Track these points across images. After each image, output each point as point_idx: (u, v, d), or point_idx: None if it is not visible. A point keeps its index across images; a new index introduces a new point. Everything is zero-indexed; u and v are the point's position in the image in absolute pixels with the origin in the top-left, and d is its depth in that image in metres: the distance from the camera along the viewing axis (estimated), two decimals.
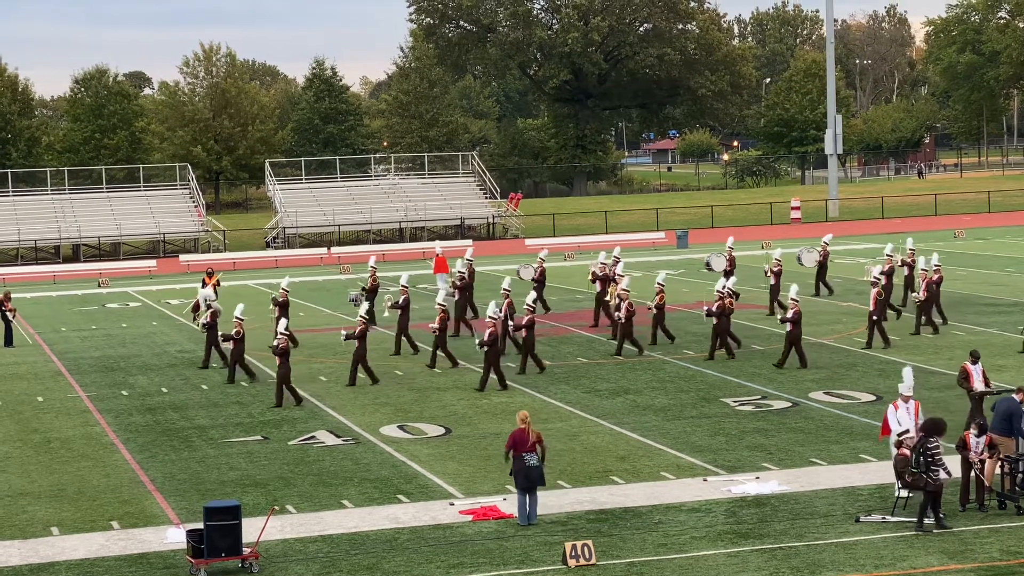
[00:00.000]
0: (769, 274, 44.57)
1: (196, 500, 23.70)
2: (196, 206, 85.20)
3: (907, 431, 21.82)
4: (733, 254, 48.16)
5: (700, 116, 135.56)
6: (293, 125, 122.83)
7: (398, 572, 19.86)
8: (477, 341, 33.80)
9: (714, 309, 36.46)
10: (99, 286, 63.30)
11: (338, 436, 28.95)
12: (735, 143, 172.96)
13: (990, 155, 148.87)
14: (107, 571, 20.37)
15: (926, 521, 20.96)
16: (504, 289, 38.91)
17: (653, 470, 25.16)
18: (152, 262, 73.52)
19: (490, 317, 33.79)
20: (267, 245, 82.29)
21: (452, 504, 23.24)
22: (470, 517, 22.41)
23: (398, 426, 29.74)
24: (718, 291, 37.05)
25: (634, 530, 21.49)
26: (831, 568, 19.35)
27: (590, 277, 44.44)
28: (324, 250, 75.93)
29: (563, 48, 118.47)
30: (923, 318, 39.95)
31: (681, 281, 50.77)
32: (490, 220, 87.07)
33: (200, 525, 20.21)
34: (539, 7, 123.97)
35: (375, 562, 20.33)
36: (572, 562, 19.73)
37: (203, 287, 48.06)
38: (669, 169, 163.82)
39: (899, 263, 44.66)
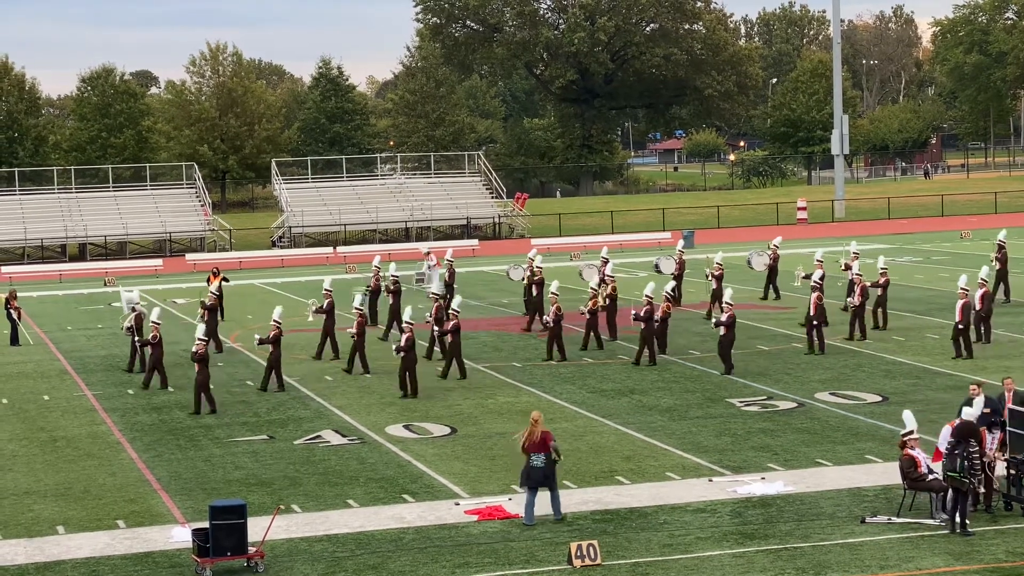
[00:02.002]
0: (710, 277, 44.44)
1: (202, 499, 23.71)
2: (202, 205, 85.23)
3: (911, 432, 21.78)
4: (684, 257, 48.20)
5: (706, 116, 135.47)
6: (299, 124, 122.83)
7: (403, 572, 19.86)
8: (394, 347, 33.17)
9: (642, 314, 36.11)
10: (105, 285, 63.32)
11: (344, 436, 28.96)
12: (741, 143, 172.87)
13: (997, 156, 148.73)
14: (113, 570, 20.39)
15: (938, 519, 20.99)
16: (432, 293, 38.48)
17: (658, 470, 25.16)
18: (158, 261, 73.66)
19: (407, 323, 33.24)
20: (273, 244, 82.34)
21: (457, 504, 23.25)
22: (475, 517, 22.41)
23: (404, 426, 29.74)
24: (647, 295, 36.74)
25: (639, 530, 21.49)
26: (837, 569, 19.34)
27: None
28: (330, 249, 75.98)
29: (569, 48, 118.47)
30: (879, 317, 40.19)
31: (684, 282, 50.75)
32: (496, 220, 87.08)
33: (206, 524, 20.24)
34: (545, 7, 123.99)
35: (380, 562, 20.34)
36: (577, 562, 19.73)
37: (208, 284, 48.15)
38: (675, 169, 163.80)
39: (843, 267, 44.55)
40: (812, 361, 35.96)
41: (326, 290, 39.63)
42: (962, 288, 35.80)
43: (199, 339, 31.70)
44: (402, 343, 32.52)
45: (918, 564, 19.46)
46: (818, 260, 42.52)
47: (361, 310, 36.20)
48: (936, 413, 27.85)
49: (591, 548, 19.90)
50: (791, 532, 21.13)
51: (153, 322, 35.37)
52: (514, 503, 22.92)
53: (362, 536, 21.64)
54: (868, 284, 39.90)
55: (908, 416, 22.02)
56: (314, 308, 39.68)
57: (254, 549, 20.24)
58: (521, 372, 35.78)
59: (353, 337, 35.80)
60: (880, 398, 30.96)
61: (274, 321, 34.24)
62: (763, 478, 24.16)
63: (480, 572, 19.74)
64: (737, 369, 34.79)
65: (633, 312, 36.70)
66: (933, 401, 30.02)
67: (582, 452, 26.72)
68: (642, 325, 36.06)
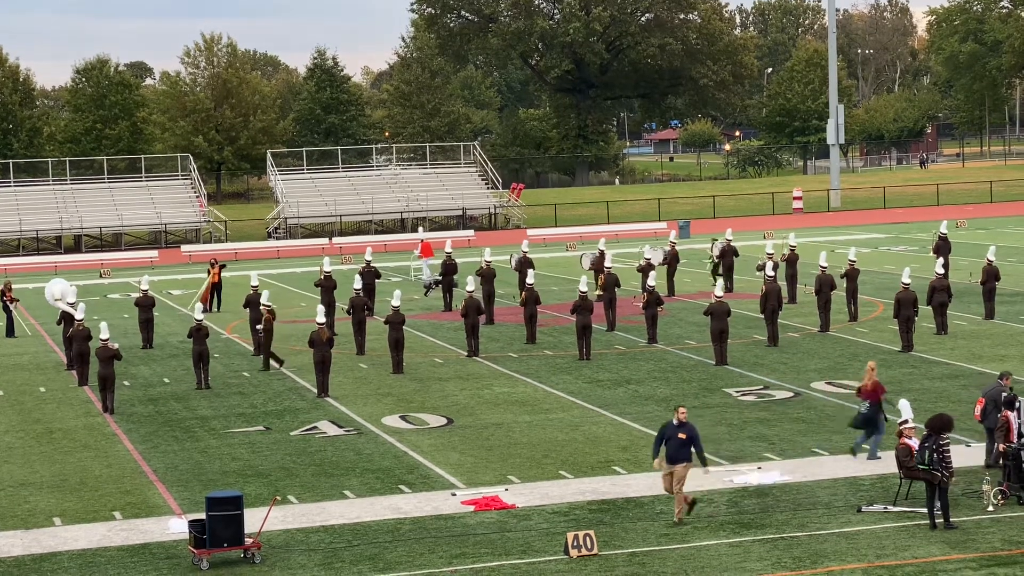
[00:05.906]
0: (602, 279, 44.51)
1: (198, 490, 23.71)
2: (198, 196, 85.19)
3: (906, 420, 21.78)
4: (676, 248, 48.52)
5: (702, 106, 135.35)
6: (295, 115, 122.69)
7: (400, 562, 19.87)
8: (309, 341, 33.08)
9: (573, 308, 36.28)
10: (100, 276, 63.29)
11: (340, 426, 28.96)
12: (737, 133, 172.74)
13: (992, 145, 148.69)
14: (109, 561, 20.38)
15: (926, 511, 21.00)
16: (426, 284, 38.37)
17: None
18: (154, 252, 73.60)
19: (318, 323, 32.67)
20: (269, 236, 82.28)
21: (454, 495, 23.26)
22: (472, 507, 22.42)
23: (400, 416, 29.75)
24: (581, 291, 36.75)
25: (636, 520, 21.50)
26: (833, 558, 19.36)
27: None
28: (326, 240, 75.92)
29: (565, 38, 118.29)
30: (852, 307, 40.11)
31: (682, 271, 50.78)
32: (492, 210, 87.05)
33: (202, 515, 20.24)
34: None
35: (377, 552, 20.34)
36: (574, 552, 19.75)
37: (209, 276, 48.14)
38: (671, 159, 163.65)
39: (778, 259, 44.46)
40: (809, 350, 35.97)
41: (253, 286, 39.39)
42: (903, 283, 35.54)
43: (101, 339, 31.52)
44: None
45: (914, 553, 19.47)
46: (769, 253, 42.24)
47: (269, 306, 36.15)
48: (932, 403, 27.89)
49: (588, 538, 19.91)
50: (787, 521, 21.14)
51: (77, 320, 34.98)
52: (510, 494, 22.94)
53: (359, 527, 21.65)
54: (839, 274, 40.02)
55: (904, 405, 22.03)
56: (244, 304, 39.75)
57: (251, 540, 20.24)
58: (517, 362, 35.78)
59: (260, 334, 35.72)
60: None
61: (196, 319, 34.36)
62: (759, 467, 24.17)
63: (477, 562, 19.75)
64: (733, 358, 34.79)
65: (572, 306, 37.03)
66: (929, 390, 30.03)
67: (578, 442, 26.73)
68: (575, 318, 36.18)
